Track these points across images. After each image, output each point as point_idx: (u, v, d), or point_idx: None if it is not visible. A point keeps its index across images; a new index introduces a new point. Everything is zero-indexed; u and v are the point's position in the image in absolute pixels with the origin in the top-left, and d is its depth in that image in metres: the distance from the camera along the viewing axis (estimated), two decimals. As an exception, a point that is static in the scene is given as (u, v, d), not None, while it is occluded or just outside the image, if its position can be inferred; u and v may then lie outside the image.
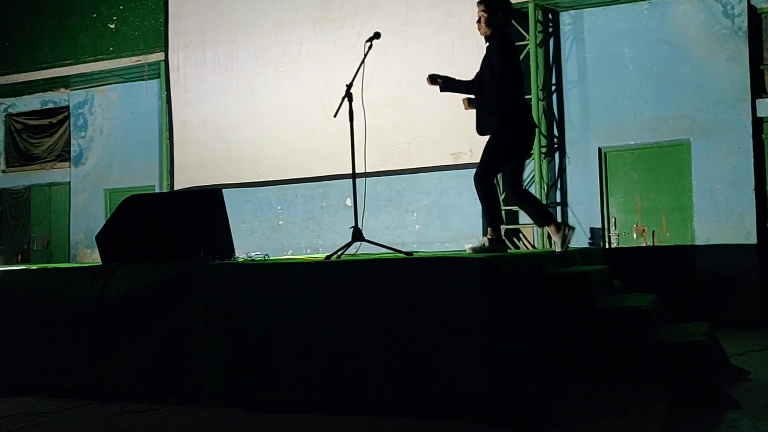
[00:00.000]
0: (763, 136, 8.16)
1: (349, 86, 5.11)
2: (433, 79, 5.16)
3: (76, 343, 4.51)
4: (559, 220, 4.90)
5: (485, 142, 5.05)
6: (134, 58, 10.65)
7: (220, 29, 10.01)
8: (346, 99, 5.11)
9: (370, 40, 5.19)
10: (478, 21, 5.03)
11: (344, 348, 3.85)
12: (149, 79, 11.06)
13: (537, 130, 8.49)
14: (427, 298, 3.72)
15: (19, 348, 4.70)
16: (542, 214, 5.22)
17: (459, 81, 5.21)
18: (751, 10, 8.17)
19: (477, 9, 5.05)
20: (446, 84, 5.19)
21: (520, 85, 5.09)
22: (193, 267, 4.30)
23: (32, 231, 12.19)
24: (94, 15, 10.99)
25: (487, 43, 5.06)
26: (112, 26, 10.87)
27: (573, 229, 5.16)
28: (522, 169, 5.26)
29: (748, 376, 4.84)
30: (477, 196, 5.06)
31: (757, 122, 8.10)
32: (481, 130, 5.09)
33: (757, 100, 8.12)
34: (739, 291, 7.93)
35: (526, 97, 8.60)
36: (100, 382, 4.42)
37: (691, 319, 6.70)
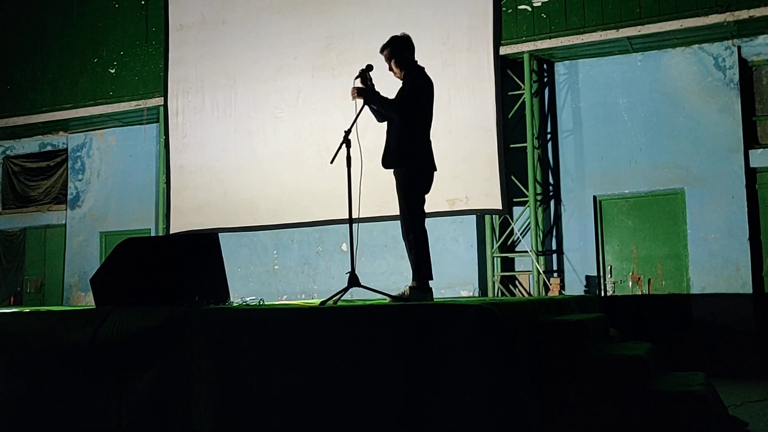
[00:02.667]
0: (757, 186, 8.23)
1: (347, 132, 5.16)
2: (360, 91, 5.06)
3: (68, 387, 4.45)
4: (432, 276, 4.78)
5: (403, 192, 5.07)
6: (134, 103, 10.75)
7: (220, 75, 10.13)
8: (344, 145, 5.15)
9: (363, 72, 5.21)
10: (390, 69, 5.15)
11: (339, 395, 3.81)
12: (148, 123, 11.15)
13: (532, 177, 8.60)
14: (422, 345, 3.69)
15: (9, 391, 4.64)
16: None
17: (383, 98, 5.06)
18: (742, 62, 8.32)
19: (383, 57, 5.16)
20: (370, 96, 5.06)
21: (429, 123, 5.12)
22: (187, 311, 4.28)
23: (26, 273, 12.13)
24: (95, 60, 11.12)
25: (403, 80, 5.14)
26: (113, 71, 11.00)
27: (430, 293, 4.97)
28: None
29: (746, 428, 4.79)
30: (408, 247, 4.97)
31: (750, 172, 8.18)
32: (386, 164, 5.16)
33: (750, 151, 8.21)
34: (736, 340, 7.90)
35: (521, 145, 8.70)
36: (91, 427, 4.35)
37: (688, 368, 6.65)
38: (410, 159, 5.01)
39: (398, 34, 5.21)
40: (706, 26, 7.94)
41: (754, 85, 8.42)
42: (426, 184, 5.12)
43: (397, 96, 5.08)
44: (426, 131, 5.08)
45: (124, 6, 11.02)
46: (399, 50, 5.10)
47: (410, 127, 4.99)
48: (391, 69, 5.15)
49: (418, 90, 5.00)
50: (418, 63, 5.17)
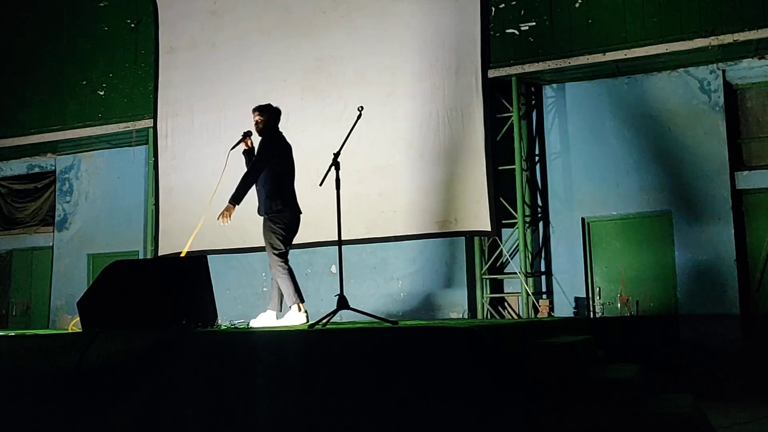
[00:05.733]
0: (743, 207, 8.29)
1: (337, 154, 5.19)
2: (230, 206, 5.95)
3: (53, 412, 4.40)
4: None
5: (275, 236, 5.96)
6: (122, 125, 10.72)
7: (209, 97, 10.14)
8: (333, 167, 5.18)
9: (359, 112, 5.43)
10: (257, 126, 6.21)
11: (327, 418, 3.79)
12: (137, 145, 11.14)
13: (521, 199, 8.64)
14: (411, 368, 3.69)
15: (-7, 417, 4.58)
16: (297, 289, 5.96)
17: (238, 187, 6.00)
18: (727, 86, 8.42)
19: (253, 116, 6.23)
20: (238, 199, 5.99)
21: (292, 173, 6.17)
22: (174, 334, 4.26)
23: (12, 296, 12.02)
24: (84, 82, 11.12)
25: (260, 137, 6.16)
26: (102, 93, 11.00)
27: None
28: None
29: (734, 450, 4.78)
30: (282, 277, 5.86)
31: (736, 194, 8.25)
32: (262, 212, 6.06)
33: (736, 173, 8.28)
34: (724, 362, 7.91)
35: (510, 167, 8.75)
36: (76, 453, 4.30)
37: (676, 389, 6.65)
38: (285, 207, 6.03)
39: (273, 105, 6.34)
40: (691, 50, 8.04)
41: (739, 108, 8.51)
42: (295, 228, 6.15)
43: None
44: (292, 182, 6.16)
45: (114, 29, 11.05)
46: (270, 116, 6.26)
47: (278, 181, 6.04)
48: (257, 125, 6.24)
49: (283, 148, 6.16)
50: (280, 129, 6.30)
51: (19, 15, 11.83)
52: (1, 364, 4.63)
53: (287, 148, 6.21)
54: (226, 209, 5.92)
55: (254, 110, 6.27)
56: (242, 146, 6.32)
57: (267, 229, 6.02)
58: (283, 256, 5.95)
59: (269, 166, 6.00)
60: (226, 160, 6.34)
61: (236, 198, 5.94)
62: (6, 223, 12.25)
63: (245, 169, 6.20)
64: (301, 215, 6.18)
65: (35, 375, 4.50)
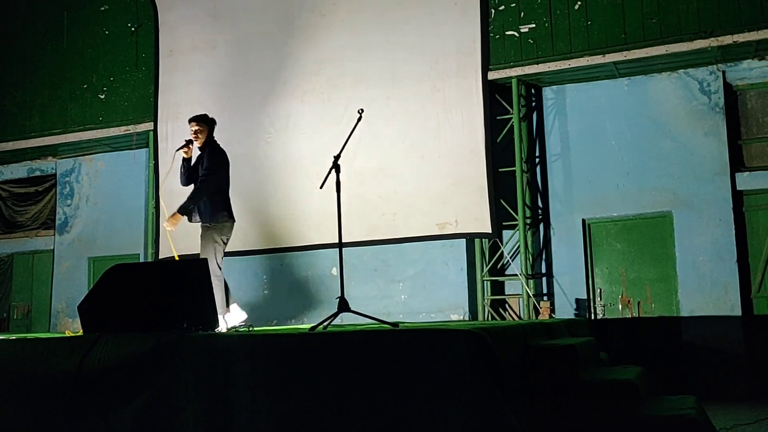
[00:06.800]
0: (744, 209, 8.29)
1: (337, 157, 5.19)
2: (178, 215, 6.28)
3: (53, 416, 4.40)
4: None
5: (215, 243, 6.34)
6: (123, 128, 10.73)
7: (209, 100, 10.14)
8: (333, 170, 5.18)
9: (359, 114, 5.44)
10: (196, 137, 6.41)
11: (328, 421, 3.78)
12: (137, 148, 11.15)
13: (521, 201, 8.64)
14: (412, 370, 3.68)
15: (-6, 421, 4.58)
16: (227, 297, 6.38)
17: (190, 199, 6.32)
18: (727, 87, 8.42)
19: (190, 127, 6.44)
20: (187, 209, 6.30)
21: (229, 184, 6.54)
22: (174, 338, 4.25)
23: (13, 299, 12.02)
24: (85, 85, 11.13)
25: (201, 150, 6.45)
26: (102, 96, 11.00)
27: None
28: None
29: (737, 451, 4.78)
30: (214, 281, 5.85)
31: (737, 195, 8.24)
32: (208, 220, 6.35)
33: (737, 174, 8.28)
34: (726, 363, 7.90)
35: (510, 169, 8.75)
36: (77, 457, 4.30)
37: (678, 391, 6.64)
38: (225, 214, 6.43)
39: (209, 115, 6.61)
40: (690, 51, 8.05)
41: (739, 109, 8.51)
42: (230, 232, 6.56)
43: (202, 163, 6.43)
44: (228, 191, 6.55)
45: (114, 32, 11.06)
46: (208, 125, 6.49)
47: (222, 192, 6.43)
48: (196, 137, 6.43)
49: (219, 160, 6.43)
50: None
51: (20, 18, 11.83)
52: (2, 367, 4.63)
53: (228, 161, 6.58)
54: (174, 217, 6.26)
55: (192, 120, 6.47)
56: (182, 153, 6.52)
57: (210, 238, 6.34)
58: (221, 265, 6.35)
59: (218, 179, 6.38)
60: (172, 161, 6.63)
61: (185, 209, 6.27)
62: (7, 227, 12.25)
63: (179, 173, 6.54)
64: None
65: (36, 379, 4.50)
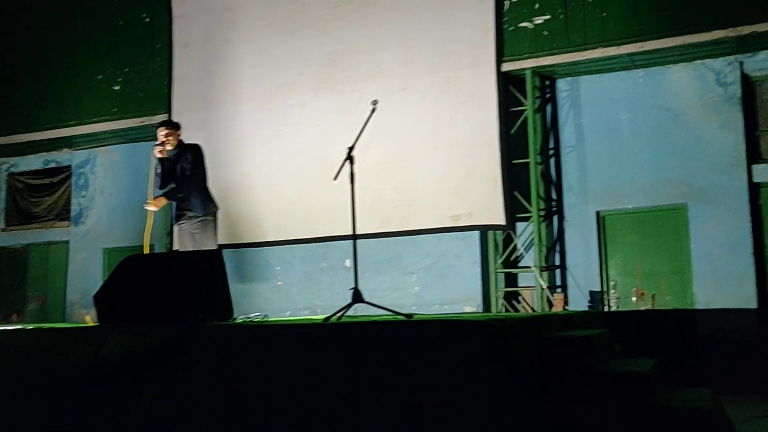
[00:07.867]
0: (760, 201, 8.22)
1: (351, 149, 5.18)
2: (163, 199, 6.60)
3: (68, 406, 4.43)
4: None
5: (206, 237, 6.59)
6: (138, 119, 10.77)
7: (223, 92, 10.18)
8: (347, 161, 5.17)
9: (373, 106, 5.41)
10: (163, 143, 6.63)
11: (342, 412, 3.79)
12: (152, 139, 11.17)
13: (535, 193, 8.61)
14: (426, 361, 3.68)
15: (8, 410, 4.62)
16: None
17: (179, 187, 6.62)
18: (744, 78, 8.34)
19: (159, 133, 6.68)
20: (174, 195, 6.62)
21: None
22: (189, 329, 4.27)
23: (28, 290, 12.12)
24: (100, 77, 11.18)
25: (177, 150, 6.71)
26: (117, 88, 11.05)
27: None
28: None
29: (752, 444, 4.75)
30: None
31: (753, 187, 8.17)
32: (200, 212, 6.61)
33: (753, 166, 8.21)
34: (741, 356, 7.86)
35: (524, 160, 8.72)
36: (93, 446, 4.33)
37: (693, 383, 6.60)
38: (213, 208, 6.79)
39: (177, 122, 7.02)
40: (708, 42, 7.97)
41: (756, 100, 8.43)
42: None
43: (182, 166, 6.72)
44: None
45: (129, 24, 11.09)
46: (177, 130, 6.82)
47: (206, 187, 6.81)
48: (163, 144, 6.65)
49: (202, 155, 6.80)
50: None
51: (34, 10, 11.89)
52: (18, 357, 4.66)
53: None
54: (158, 200, 6.62)
55: (162, 125, 6.78)
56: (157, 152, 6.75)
57: (201, 229, 6.61)
58: None
59: (204, 173, 6.80)
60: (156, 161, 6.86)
61: (171, 195, 6.61)
62: (22, 218, 12.35)
63: (158, 172, 6.78)
64: None
65: (51, 369, 4.53)
